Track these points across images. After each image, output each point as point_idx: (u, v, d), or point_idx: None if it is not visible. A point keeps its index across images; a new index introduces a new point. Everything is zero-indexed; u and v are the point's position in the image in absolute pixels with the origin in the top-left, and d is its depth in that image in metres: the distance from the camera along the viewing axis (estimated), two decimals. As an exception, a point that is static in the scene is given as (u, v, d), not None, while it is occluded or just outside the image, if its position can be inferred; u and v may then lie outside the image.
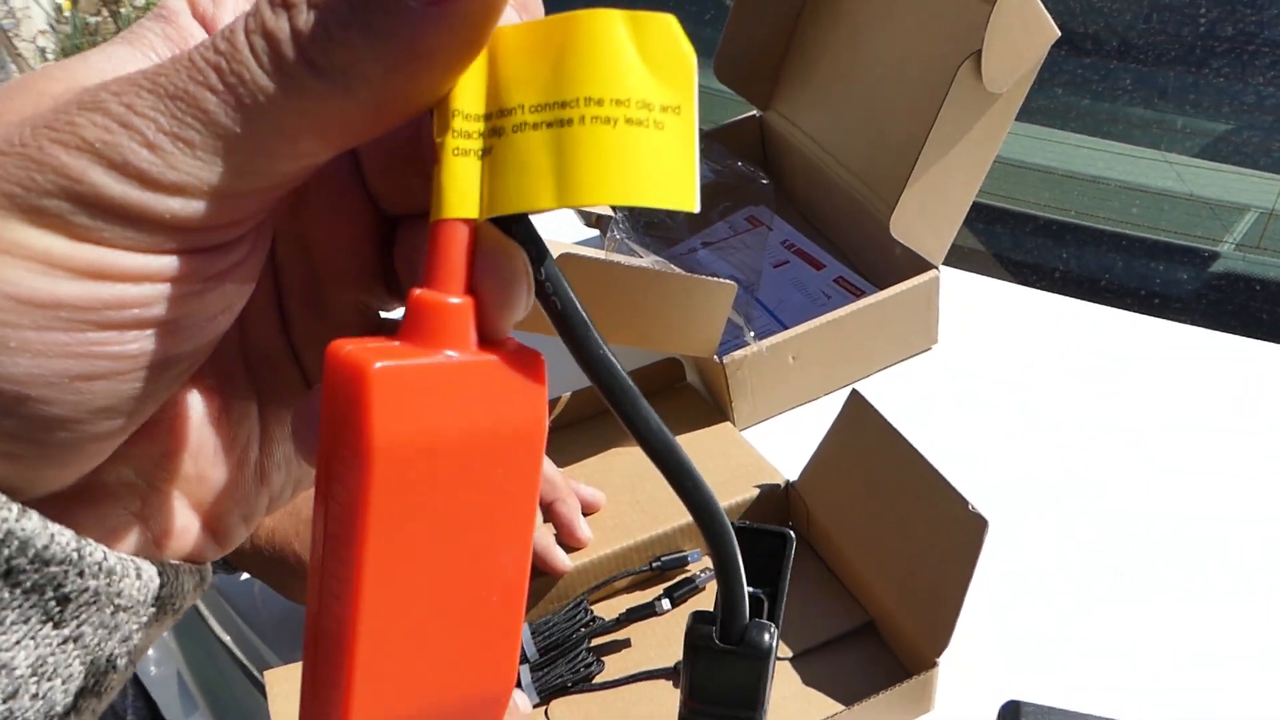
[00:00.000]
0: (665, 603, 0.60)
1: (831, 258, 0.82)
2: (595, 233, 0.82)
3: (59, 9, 3.60)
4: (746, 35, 0.84)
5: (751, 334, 0.68)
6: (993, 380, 0.71)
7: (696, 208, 0.19)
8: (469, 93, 0.19)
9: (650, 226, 0.81)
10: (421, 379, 0.19)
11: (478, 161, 0.19)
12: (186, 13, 0.21)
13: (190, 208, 0.18)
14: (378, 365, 0.18)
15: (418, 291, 0.19)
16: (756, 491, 0.62)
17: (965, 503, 0.51)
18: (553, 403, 0.71)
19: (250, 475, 0.24)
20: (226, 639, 0.69)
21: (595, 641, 0.59)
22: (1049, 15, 0.61)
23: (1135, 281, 0.75)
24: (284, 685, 0.55)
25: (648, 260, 0.68)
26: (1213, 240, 0.76)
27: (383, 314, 0.25)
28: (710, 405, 0.71)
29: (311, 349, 0.25)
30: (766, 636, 0.28)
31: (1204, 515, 0.60)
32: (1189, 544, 0.59)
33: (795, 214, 0.87)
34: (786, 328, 0.69)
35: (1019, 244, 0.81)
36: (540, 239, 0.20)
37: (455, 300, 0.19)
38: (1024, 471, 0.65)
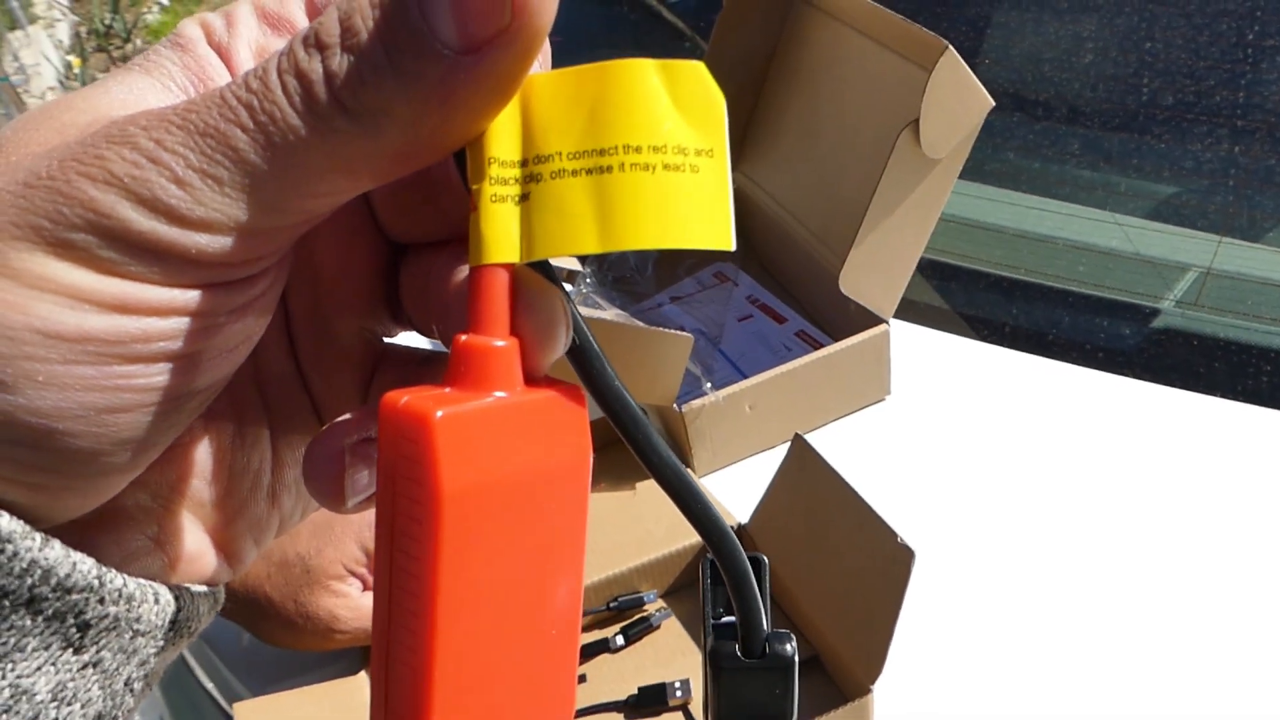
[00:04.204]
0: (619, 639, 0.62)
1: (794, 312, 0.85)
2: (568, 287, 0.85)
3: (69, 66, 3.69)
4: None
5: (709, 385, 0.72)
6: (942, 429, 0.75)
7: (733, 247, 0.19)
8: (503, 140, 0.20)
9: (619, 281, 0.84)
10: (480, 422, 0.19)
11: (516, 207, 0.20)
12: (203, 41, 0.21)
13: (217, 243, 0.18)
14: (440, 414, 0.18)
15: (464, 337, 0.20)
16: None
17: (894, 535, 0.54)
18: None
19: (262, 498, 0.25)
20: (209, 686, 0.71)
21: (552, 677, 0.61)
22: (982, 86, 0.66)
23: (1080, 336, 0.79)
24: (251, 717, 0.57)
25: (610, 313, 0.72)
26: (1154, 297, 0.79)
27: (386, 339, 0.26)
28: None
29: (317, 374, 0.25)
30: (789, 646, 0.29)
31: (1138, 558, 0.63)
32: (1123, 585, 0.62)
33: (760, 270, 0.91)
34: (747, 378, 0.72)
35: (971, 300, 0.84)
36: (559, 279, 0.21)
37: (501, 343, 0.20)
38: (969, 514, 0.68)
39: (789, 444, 0.63)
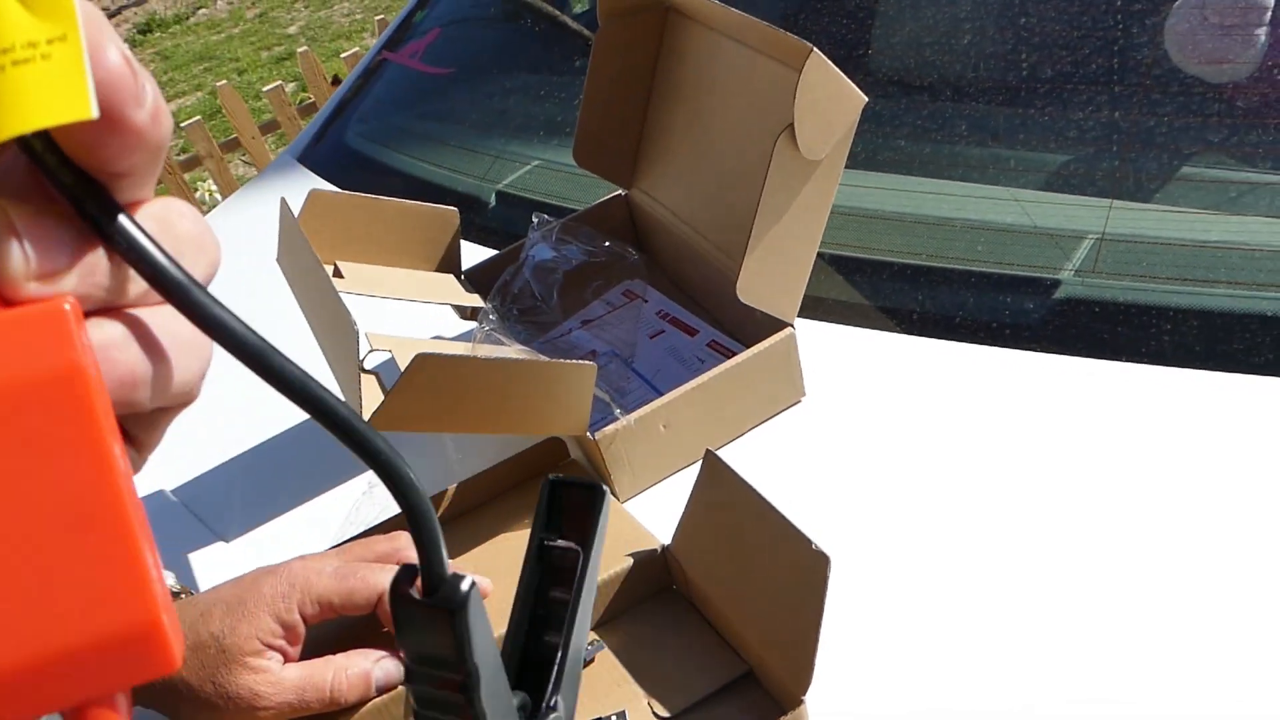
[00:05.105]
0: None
1: (704, 323, 0.85)
2: (473, 325, 0.85)
3: None
4: (600, 123, 0.88)
5: (619, 410, 0.71)
6: (859, 424, 0.75)
7: (93, 114, 0.22)
8: None
9: (525, 313, 0.84)
10: None
11: None
12: None
13: None
14: None
15: None
16: (630, 561, 0.64)
17: (809, 543, 0.53)
18: (439, 496, 0.73)
19: None
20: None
21: (488, 725, 0.61)
22: (852, 83, 0.66)
23: (986, 316, 0.79)
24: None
25: (513, 349, 0.71)
26: (1054, 269, 0.80)
27: None
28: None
29: None
30: (463, 587, 0.29)
31: (1065, 536, 0.64)
32: (1052, 563, 0.62)
33: (668, 284, 0.91)
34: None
35: (878, 290, 0.85)
36: (99, 192, 0.23)
37: None
38: (890, 507, 0.68)
39: (701, 461, 0.62)
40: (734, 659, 0.61)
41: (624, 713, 0.59)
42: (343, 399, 0.25)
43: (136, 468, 0.28)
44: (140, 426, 0.28)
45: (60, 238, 0.23)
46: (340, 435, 0.25)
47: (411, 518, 0.27)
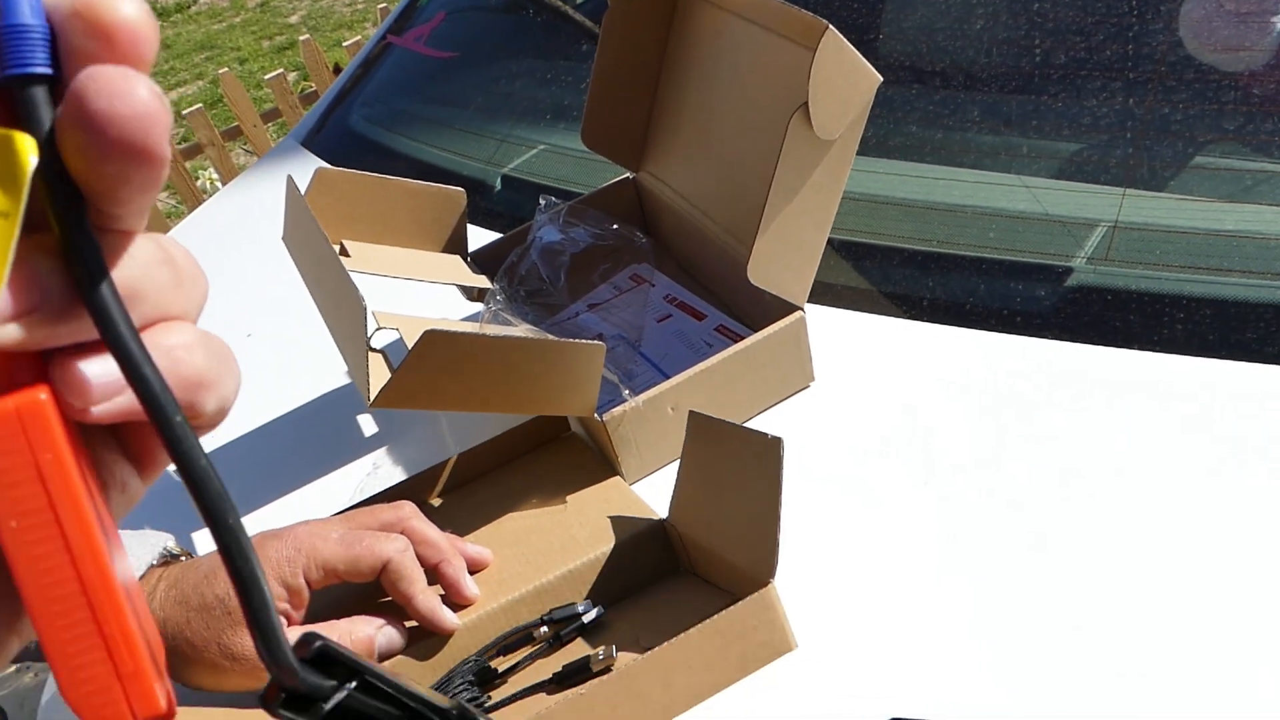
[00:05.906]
0: (543, 629, 0.61)
1: (712, 307, 0.85)
2: (479, 307, 0.84)
3: None
4: (609, 105, 0.88)
5: (628, 391, 0.70)
6: (868, 409, 0.74)
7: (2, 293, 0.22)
8: None
9: (532, 295, 0.83)
10: None
11: None
12: None
13: None
14: None
15: None
16: (626, 535, 0.64)
17: (764, 434, 0.53)
18: (439, 466, 0.72)
19: None
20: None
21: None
22: (868, 62, 0.65)
23: (997, 303, 0.79)
24: None
25: (521, 329, 0.71)
26: (1066, 256, 0.79)
27: None
28: (599, 459, 0.73)
29: None
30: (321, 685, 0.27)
31: (1077, 531, 0.63)
32: (1065, 563, 0.62)
33: (676, 268, 0.90)
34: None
35: (887, 277, 0.84)
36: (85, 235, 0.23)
37: None
38: (900, 491, 0.67)
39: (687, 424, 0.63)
40: (723, 595, 0.60)
41: (612, 647, 0.58)
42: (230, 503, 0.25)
43: (137, 496, 0.29)
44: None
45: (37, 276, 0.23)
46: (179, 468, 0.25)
47: (232, 575, 0.25)
